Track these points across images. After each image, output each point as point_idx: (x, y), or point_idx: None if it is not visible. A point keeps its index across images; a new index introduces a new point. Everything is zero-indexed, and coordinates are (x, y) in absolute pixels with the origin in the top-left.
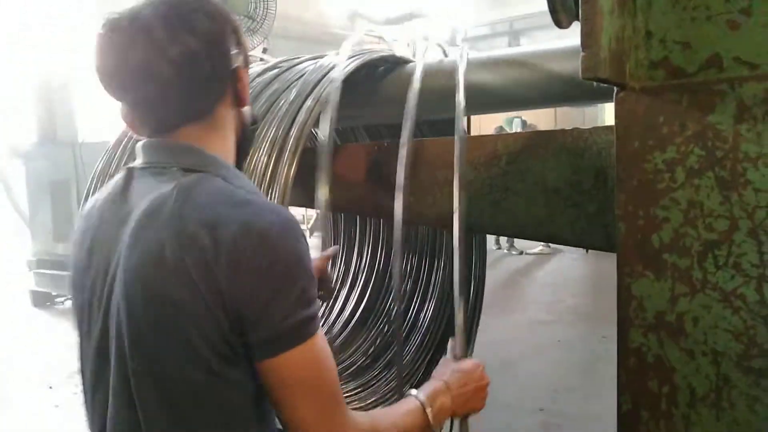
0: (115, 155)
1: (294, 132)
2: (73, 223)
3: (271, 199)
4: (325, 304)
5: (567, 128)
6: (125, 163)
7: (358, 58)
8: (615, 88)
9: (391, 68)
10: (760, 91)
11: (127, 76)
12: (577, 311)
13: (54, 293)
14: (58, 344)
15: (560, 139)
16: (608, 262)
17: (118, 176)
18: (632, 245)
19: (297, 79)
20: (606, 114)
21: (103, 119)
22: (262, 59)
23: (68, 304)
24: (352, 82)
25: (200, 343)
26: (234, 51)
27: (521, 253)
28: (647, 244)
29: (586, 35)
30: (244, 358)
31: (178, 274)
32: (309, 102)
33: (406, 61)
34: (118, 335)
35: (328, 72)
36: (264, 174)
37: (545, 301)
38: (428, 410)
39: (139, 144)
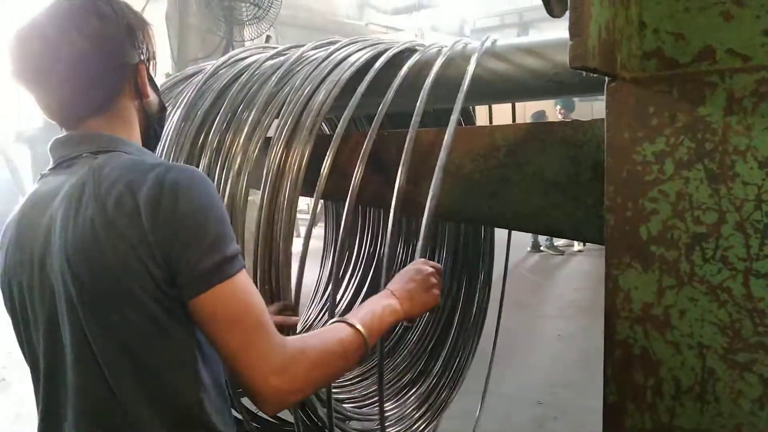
0: None
1: (307, 122)
2: None
3: (283, 189)
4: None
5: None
6: None
7: (371, 49)
8: (606, 79)
9: (403, 58)
10: (751, 83)
11: (29, 76)
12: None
13: None
14: None
15: (559, 131)
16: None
17: (34, 186)
18: (620, 237)
19: (306, 67)
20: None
21: None
22: (265, 47)
23: None
24: (359, 72)
25: (141, 295)
26: (130, 47)
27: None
28: (635, 236)
29: (573, 24)
30: (181, 307)
31: (112, 240)
32: (322, 93)
33: (415, 51)
34: (71, 310)
35: (340, 62)
36: (276, 166)
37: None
38: (364, 332)
39: (49, 146)
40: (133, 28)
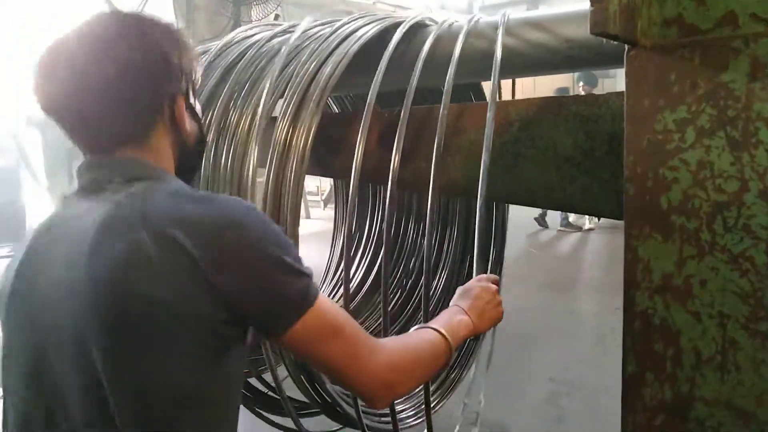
0: None
1: (313, 98)
2: None
3: (289, 168)
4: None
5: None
6: None
7: (379, 23)
8: (626, 47)
9: (410, 33)
10: None
11: (56, 102)
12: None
13: None
14: None
15: (573, 105)
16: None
17: (55, 208)
18: (640, 207)
19: (312, 43)
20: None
21: None
22: (274, 24)
23: None
24: (367, 47)
25: (186, 339)
26: (163, 78)
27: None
28: (655, 206)
29: None
30: (236, 342)
31: (157, 275)
32: (329, 66)
33: (425, 25)
34: (81, 354)
35: (347, 38)
36: (282, 143)
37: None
38: (448, 336)
39: (78, 166)
40: (168, 58)
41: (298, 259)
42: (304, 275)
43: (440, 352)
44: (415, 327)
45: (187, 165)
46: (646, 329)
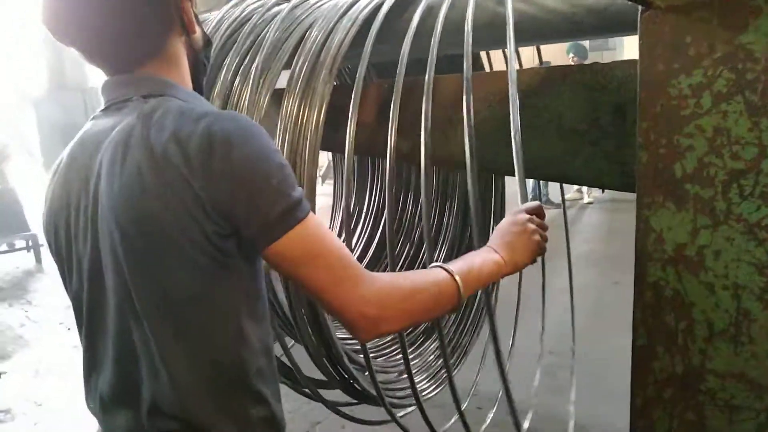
0: None
1: (323, 73)
2: None
3: (301, 145)
4: None
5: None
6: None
7: None
8: (640, 8)
9: (406, 3)
10: None
11: (72, 29)
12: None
13: None
14: None
15: (578, 74)
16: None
17: (85, 126)
18: (653, 175)
19: (316, 12)
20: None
21: None
22: None
23: None
24: (365, 18)
25: (188, 247)
26: None
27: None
28: (669, 174)
29: None
30: (238, 258)
31: (159, 192)
32: (334, 43)
33: None
34: (114, 257)
35: (348, 10)
36: (293, 119)
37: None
38: (458, 279)
39: (101, 85)
40: None
41: (287, 180)
42: (291, 196)
43: (446, 294)
44: (432, 264)
45: (200, 67)
46: (658, 301)
